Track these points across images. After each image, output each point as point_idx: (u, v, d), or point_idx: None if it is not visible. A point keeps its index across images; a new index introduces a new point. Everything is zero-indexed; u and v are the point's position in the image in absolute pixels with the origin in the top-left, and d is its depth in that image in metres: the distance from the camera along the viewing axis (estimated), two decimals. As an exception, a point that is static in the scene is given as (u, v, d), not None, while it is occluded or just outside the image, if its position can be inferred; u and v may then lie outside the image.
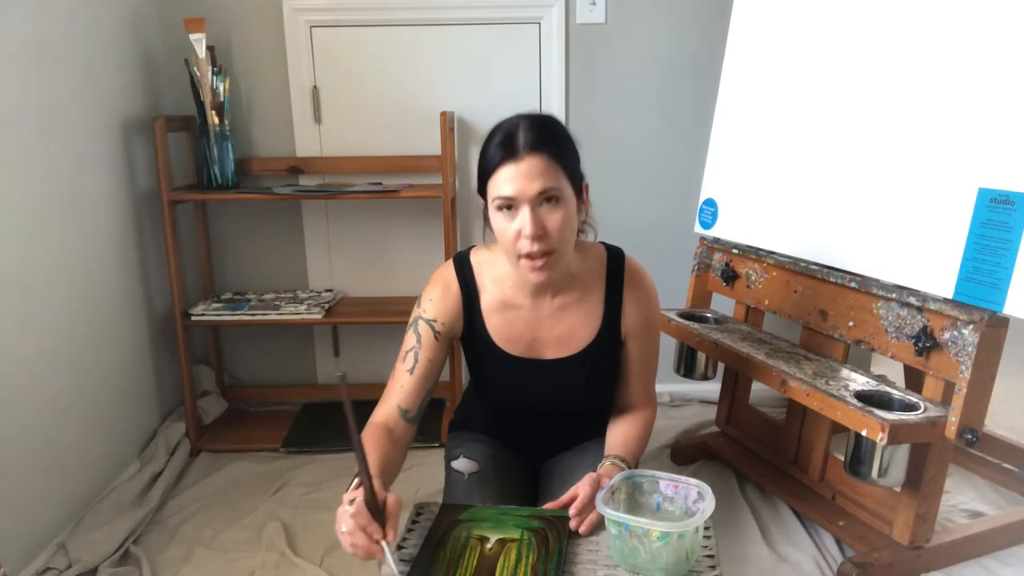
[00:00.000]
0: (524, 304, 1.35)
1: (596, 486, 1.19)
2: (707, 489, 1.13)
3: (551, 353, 1.37)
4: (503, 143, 1.20)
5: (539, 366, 1.37)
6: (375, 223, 2.56)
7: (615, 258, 1.39)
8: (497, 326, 1.36)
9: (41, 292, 1.77)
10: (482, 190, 1.25)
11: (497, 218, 1.22)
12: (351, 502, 1.02)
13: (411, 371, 1.33)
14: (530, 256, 1.21)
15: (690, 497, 1.15)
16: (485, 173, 1.23)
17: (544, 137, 1.20)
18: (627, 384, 1.42)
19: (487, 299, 1.36)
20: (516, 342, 1.36)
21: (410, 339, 1.36)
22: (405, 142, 2.47)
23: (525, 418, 1.45)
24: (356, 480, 1.05)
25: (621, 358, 1.41)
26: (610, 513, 1.07)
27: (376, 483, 1.03)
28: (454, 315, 1.36)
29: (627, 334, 1.39)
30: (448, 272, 1.38)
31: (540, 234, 1.19)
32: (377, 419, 1.30)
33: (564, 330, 1.36)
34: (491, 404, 1.45)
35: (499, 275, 1.36)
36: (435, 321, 1.35)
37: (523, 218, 1.19)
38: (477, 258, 1.39)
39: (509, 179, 1.18)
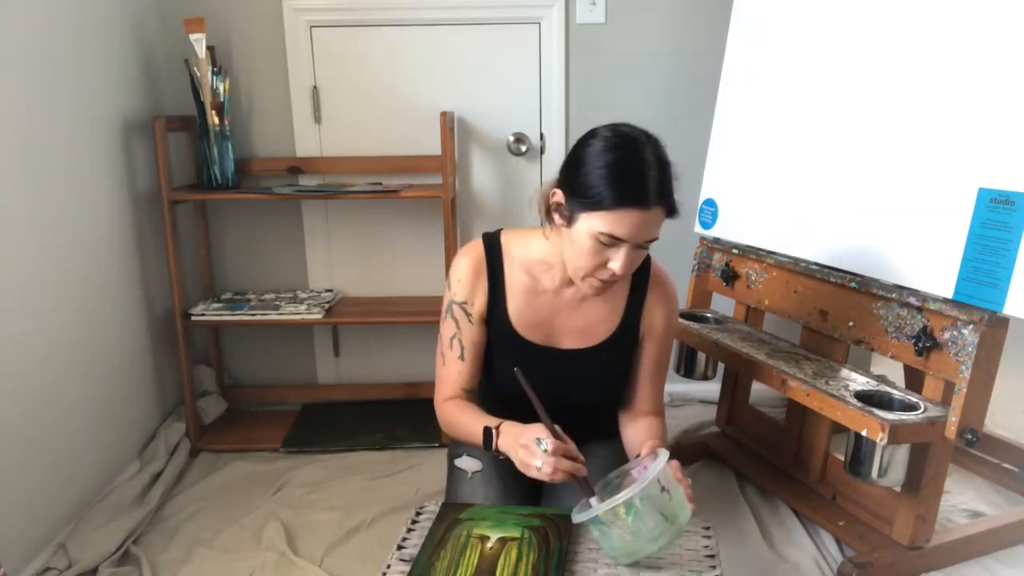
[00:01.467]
0: (548, 289, 1.37)
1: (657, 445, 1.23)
2: (662, 450, 1.15)
3: (568, 343, 1.39)
4: (633, 183, 1.16)
5: (554, 355, 1.38)
6: (375, 223, 2.56)
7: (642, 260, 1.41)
8: (518, 310, 1.37)
9: (41, 292, 1.77)
10: (578, 203, 1.20)
11: (588, 241, 1.20)
12: (537, 441, 1.15)
13: (461, 357, 1.38)
14: (605, 282, 1.24)
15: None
16: (597, 201, 1.17)
17: (668, 183, 1.19)
18: (637, 387, 1.43)
19: (512, 282, 1.37)
20: (535, 328, 1.38)
21: (449, 326, 1.39)
22: (405, 142, 2.47)
23: (532, 411, 1.44)
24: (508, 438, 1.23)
25: (634, 358, 1.42)
26: (579, 517, 1.08)
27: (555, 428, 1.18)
28: (481, 294, 1.38)
29: (645, 334, 1.41)
30: (476, 249, 1.39)
31: (628, 271, 1.23)
32: (447, 398, 1.38)
33: (584, 321, 1.38)
34: (499, 394, 1.44)
35: (529, 259, 1.37)
36: (466, 303, 1.37)
37: (620, 256, 1.20)
38: (507, 240, 1.40)
39: (630, 224, 1.16)
